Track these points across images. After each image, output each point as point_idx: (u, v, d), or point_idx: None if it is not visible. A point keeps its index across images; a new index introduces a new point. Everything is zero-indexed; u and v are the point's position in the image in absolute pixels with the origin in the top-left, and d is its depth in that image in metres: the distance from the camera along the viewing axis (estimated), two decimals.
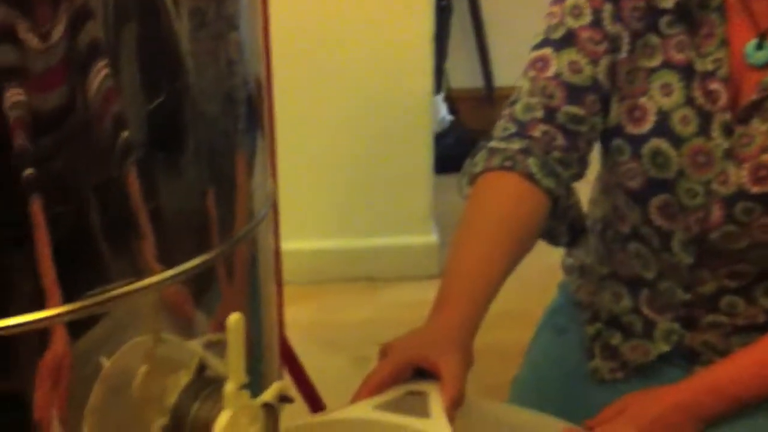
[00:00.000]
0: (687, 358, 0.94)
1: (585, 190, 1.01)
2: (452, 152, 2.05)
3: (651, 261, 0.92)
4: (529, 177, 0.87)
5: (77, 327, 0.54)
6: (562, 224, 0.93)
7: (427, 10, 2.10)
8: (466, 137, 2.63)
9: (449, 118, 2.91)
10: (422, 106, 2.10)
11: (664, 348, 0.94)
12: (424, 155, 2.10)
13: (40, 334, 0.53)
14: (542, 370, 1.04)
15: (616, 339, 0.97)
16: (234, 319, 0.55)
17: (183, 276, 0.58)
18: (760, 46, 0.85)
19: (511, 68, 1.00)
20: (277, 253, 0.90)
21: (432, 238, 2.09)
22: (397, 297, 1.96)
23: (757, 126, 0.84)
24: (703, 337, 0.93)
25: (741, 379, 0.83)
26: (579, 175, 0.93)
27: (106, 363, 0.58)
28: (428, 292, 0.82)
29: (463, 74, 3.08)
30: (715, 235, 0.87)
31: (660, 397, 0.83)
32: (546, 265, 1.46)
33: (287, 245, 2.01)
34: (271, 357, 0.73)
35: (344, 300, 1.98)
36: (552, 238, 0.95)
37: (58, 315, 0.52)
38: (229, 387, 0.56)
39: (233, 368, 0.55)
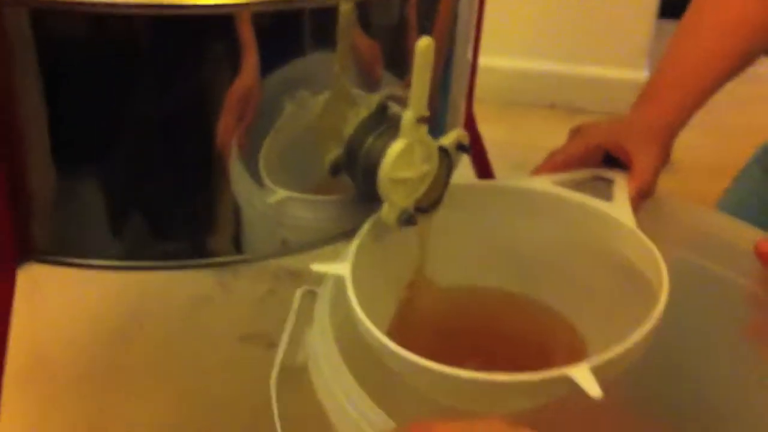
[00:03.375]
0: None
1: None
2: None
3: None
4: None
5: (266, 29, 0.53)
6: None
7: None
8: None
9: None
10: None
11: None
12: None
13: (227, 24, 0.52)
14: (743, 205, 0.97)
15: None
16: (424, 42, 0.51)
17: None
18: None
19: None
20: (480, 19, 0.86)
21: (644, 75, 1.95)
22: None
23: None
24: None
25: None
26: None
27: (290, 86, 0.57)
28: None
29: None
30: None
31: None
32: (751, 125, 1.33)
33: (489, 61, 1.96)
34: (455, 115, 0.70)
35: (542, 126, 1.91)
36: None
37: (245, 4, 0.51)
38: (408, 116, 0.53)
39: (415, 96, 0.53)
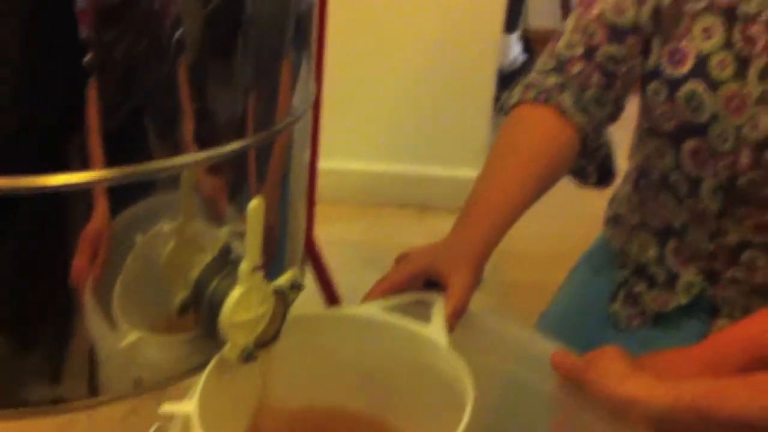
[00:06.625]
0: (708, 312, 0.95)
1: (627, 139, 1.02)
2: None
3: (678, 210, 0.93)
4: (562, 112, 0.88)
5: (118, 194, 0.59)
6: (590, 163, 0.95)
7: None
8: None
9: (522, 57, 2.89)
10: (489, 44, 2.08)
11: (684, 300, 0.95)
12: (486, 92, 2.09)
13: (84, 197, 0.58)
14: (570, 306, 1.07)
15: (640, 287, 0.98)
16: (254, 203, 0.59)
17: (220, 158, 0.63)
18: None
19: None
20: (315, 146, 0.94)
21: None
22: (446, 226, 1.97)
23: None
24: (724, 292, 0.94)
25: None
26: (613, 117, 0.94)
27: (139, 236, 0.63)
28: None
29: (543, 14, 3.04)
30: (743, 180, 0.87)
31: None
32: (591, 211, 1.47)
33: (341, 164, 2.07)
34: (294, 249, 0.78)
35: (395, 224, 2.02)
36: (581, 177, 0.97)
37: (101, 179, 0.57)
38: (244, 266, 0.61)
39: (249, 249, 0.60)
